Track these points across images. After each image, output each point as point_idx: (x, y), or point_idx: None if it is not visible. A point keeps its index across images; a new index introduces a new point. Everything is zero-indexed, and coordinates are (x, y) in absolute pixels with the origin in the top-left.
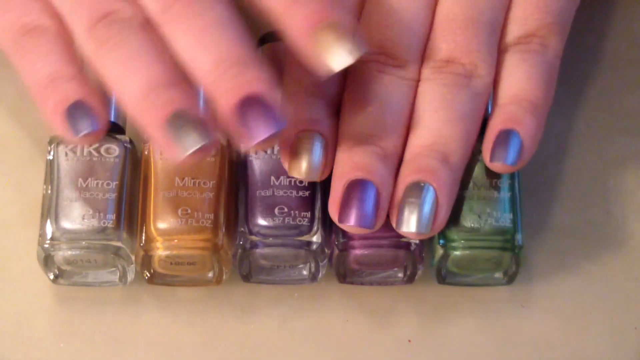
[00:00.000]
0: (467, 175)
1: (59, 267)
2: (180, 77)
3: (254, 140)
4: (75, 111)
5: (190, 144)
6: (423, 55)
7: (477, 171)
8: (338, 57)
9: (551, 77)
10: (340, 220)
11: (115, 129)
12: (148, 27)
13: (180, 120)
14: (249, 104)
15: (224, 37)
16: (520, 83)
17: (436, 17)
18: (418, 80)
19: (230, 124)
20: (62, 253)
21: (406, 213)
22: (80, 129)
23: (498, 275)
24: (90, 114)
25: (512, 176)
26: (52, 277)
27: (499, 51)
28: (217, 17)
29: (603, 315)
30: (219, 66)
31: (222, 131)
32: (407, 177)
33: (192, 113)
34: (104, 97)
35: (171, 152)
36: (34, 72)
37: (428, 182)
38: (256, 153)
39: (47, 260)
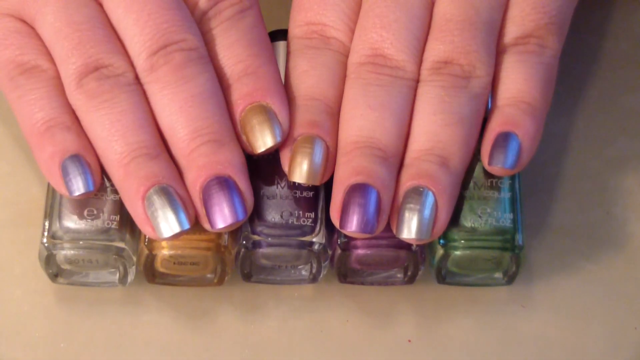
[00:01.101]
0: (468, 175)
1: (60, 266)
2: (161, 147)
3: (214, 226)
4: (71, 166)
5: (166, 230)
6: (421, 56)
7: (478, 171)
8: (259, 141)
9: (549, 77)
10: (341, 226)
11: None
12: (138, 86)
13: (159, 200)
14: (216, 187)
15: (204, 110)
16: (518, 84)
17: (433, 18)
18: (417, 81)
19: (195, 203)
20: (64, 252)
21: (406, 219)
22: (74, 190)
23: (498, 275)
24: (86, 171)
25: (512, 176)
26: (52, 275)
27: (497, 52)
28: (201, 89)
29: (603, 315)
30: (194, 140)
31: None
32: (406, 182)
33: (171, 191)
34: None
35: (147, 231)
36: (31, 116)
37: (427, 187)
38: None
39: (48, 259)
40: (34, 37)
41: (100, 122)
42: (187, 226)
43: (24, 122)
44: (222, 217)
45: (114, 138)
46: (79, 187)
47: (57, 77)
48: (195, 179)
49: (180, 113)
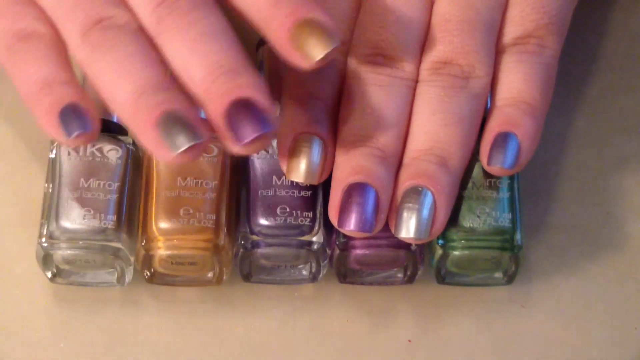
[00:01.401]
0: (467, 175)
1: (58, 266)
2: (172, 82)
3: (240, 141)
4: (68, 113)
5: (180, 143)
6: (421, 56)
7: (477, 171)
8: (316, 49)
9: (549, 77)
10: (340, 225)
11: (118, 130)
12: (141, 33)
13: (170, 121)
14: (238, 108)
15: (216, 46)
16: (517, 84)
17: (433, 18)
18: (416, 81)
19: (219, 128)
20: (62, 252)
21: (404, 218)
22: (72, 130)
23: (498, 275)
24: (83, 116)
25: (511, 176)
26: (50, 275)
27: (497, 52)
28: (211, 27)
29: (603, 315)
30: (211, 73)
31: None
32: (405, 182)
33: (182, 114)
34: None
35: (161, 152)
36: (28, 77)
37: (426, 186)
38: (258, 153)
39: (45, 259)
40: (31, 5)
41: (107, 67)
42: (201, 139)
43: (22, 82)
44: (249, 130)
45: (121, 78)
46: (76, 127)
47: (55, 40)
48: (216, 108)
49: (192, 52)
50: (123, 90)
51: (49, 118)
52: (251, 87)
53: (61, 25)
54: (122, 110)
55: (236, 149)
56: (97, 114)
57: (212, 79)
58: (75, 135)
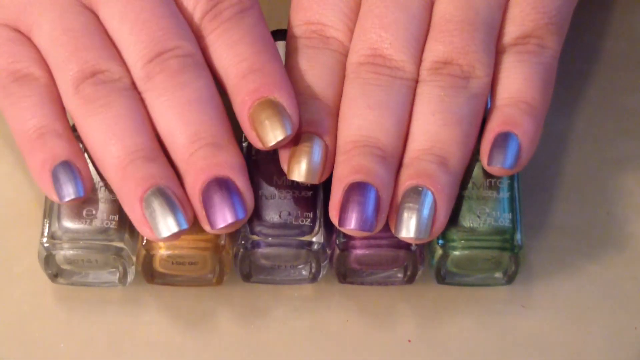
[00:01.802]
0: (467, 175)
1: (59, 266)
2: (162, 153)
3: (214, 226)
4: (61, 173)
5: (164, 229)
6: (421, 56)
7: (477, 171)
8: (269, 135)
9: (549, 77)
10: (340, 224)
11: None
12: (134, 91)
13: (157, 200)
14: (214, 188)
15: (202, 114)
16: (517, 84)
17: (433, 18)
18: (416, 81)
19: (194, 203)
20: (63, 252)
21: (405, 218)
22: (64, 195)
23: (498, 275)
24: (77, 177)
25: (511, 176)
26: (51, 276)
27: (497, 52)
28: (198, 93)
29: (603, 315)
30: (193, 144)
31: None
32: (405, 181)
33: (169, 192)
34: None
35: (144, 231)
36: (23, 123)
37: (426, 186)
38: (258, 153)
39: (47, 259)
40: (27, 45)
41: (97, 126)
42: (185, 226)
43: (16, 129)
44: (222, 217)
45: (111, 142)
46: (69, 192)
47: (50, 85)
48: (194, 182)
49: (177, 118)
50: (111, 155)
51: (41, 175)
52: (230, 167)
53: (56, 73)
54: (109, 175)
55: (207, 229)
56: (89, 172)
57: (193, 149)
58: (67, 201)
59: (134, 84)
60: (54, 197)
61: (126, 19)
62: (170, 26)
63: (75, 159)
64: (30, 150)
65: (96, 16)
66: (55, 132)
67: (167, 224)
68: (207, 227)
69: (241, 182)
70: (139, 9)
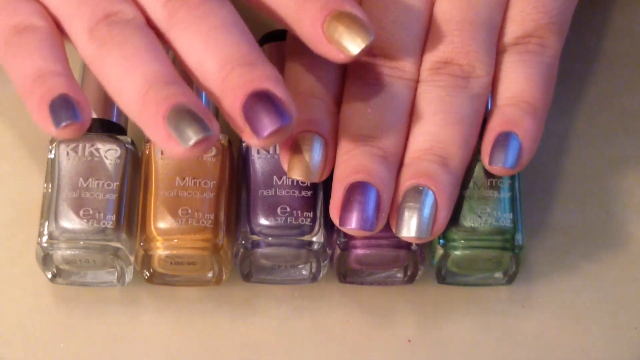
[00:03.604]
0: (468, 175)
1: (58, 266)
2: (179, 77)
3: (259, 134)
4: (59, 104)
5: (190, 136)
6: (421, 56)
7: (478, 171)
8: (354, 43)
9: (550, 77)
10: (341, 224)
11: (116, 130)
12: (148, 28)
13: (179, 114)
14: (255, 100)
15: (229, 38)
16: (518, 84)
17: (433, 18)
18: (417, 81)
19: (236, 122)
20: (61, 252)
21: (406, 218)
22: (61, 120)
23: (498, 275)
24: (73, 106)
25: (512, 176)
26: (50, 276)
27: (497, 52)
28: (222, 20)
29: (603, 315)
30: (225, 66)
31: (222, 128)
32: (406, 181)
33: (191, 106)
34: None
35: (171, 146)
36: (22, 69)
37: (427, 186)
38: (258, 153)
39: (45, 259)
40: (30, 1)
41: (115, 63)
42: (210, 132)
43: (16, 76)
44: (268, 123)
45: (129, 73)
46: (65, 116)
47: (51, 34)
48: (233, 100)
49: (205, 46)
50: (130, 85)
51: (39, 110)
52: (267, 79)
53: (67, 23)
54: (130, 106)
55: (254, 142)
56: (89, 105)
57: (226, 72)
58: (64, 125)
59: (149, 24)
60: (50, 127)
61: None
62: None
63: (73, 92)
64: (29, 92)
65: None
66: (54, 72)
67: (192, 132)
68: (253, 140)
69: (280, 91)
70: None
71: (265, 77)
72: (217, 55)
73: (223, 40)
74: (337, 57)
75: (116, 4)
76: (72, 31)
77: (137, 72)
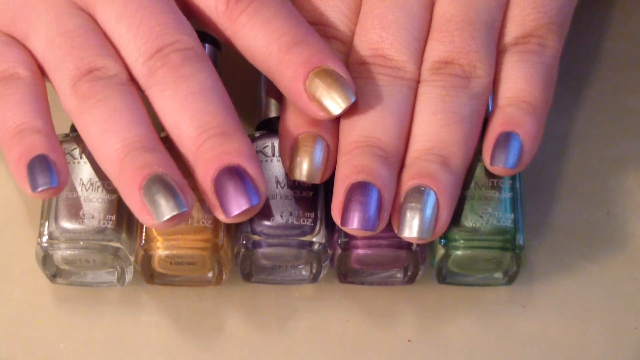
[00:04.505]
0: (469, 175)
1: (58, 266)
2: (158, 142)
3: (229, 214)
4: (36, 166)
5: (164, 212)
6: (422, 56)
7: (479, 171)
8: (335, 104)
9: (550, 77)
10: (342, 224)
11: None
12: (131, 86)
13: (155, 186)
14: (226, 177)
15: (207, 105)
16: (519, 84)
17: (433, 18)
18: (417, 81)
19: (207, 196)
20: (61, 252)
21: (407, 218)
22: (37, 185)
23: (498, 275)
24: (51, 169)
25: (513, 176)
26: (50, 276)
27: (498, 52)
28: (201, 85)
29: (603, 315)
30: (201, 135)
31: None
32: (407, 181)
33: (167, 178)
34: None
35: (144, 218)
36: (4, 120)
37: (428, 186)
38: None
39: (45, 259)
40: (17, 47)
41: (95, 121)
42: (184, 208)
43: None
44: (236, 204)
45: (107, 135)
46: (42, 182)
47: (35, 85)
48: (205, 173)
49: (182, 111)
50: (109, 148)
51: (17, 168)
52: (240, 154)
53: (52, 72)
54: (108, 168)
55: (222, 218)
56: (66, 166)
57: (201, 141)
58: (39, 190)
59: (131, 80)
60: (27, 189)
61: (123, 18)
62: (168, 21)
63: (51, 152)
64: (9, 147)
65: (92, 18)
66: (34, 129)
67: (166, 208)
68: (221, 217)
69: (252, 168)
70: (135, 7)
71: (238, 152)
72: (192, 122)
73: (200, 106)
74: (318, 115)
75: (100, 59)
76: (55, 80)
77: (115, 135)
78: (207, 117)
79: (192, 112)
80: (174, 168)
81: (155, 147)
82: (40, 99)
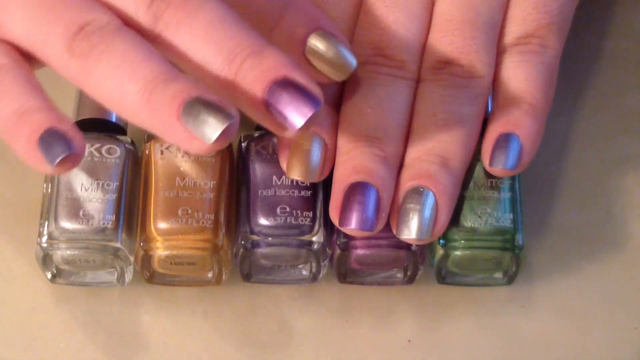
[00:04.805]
0: (468, 175)
1: (57, 266)
2: (179, 71)
3: (295, 125)
4: (48, 140)
5: (213, 129)
6: (422, 57)
7: (478, 171)
8: (209, 129)
9: (551, 77)
10: (341, 224)
11: (116, 130)
12: (129, 29)
13: (195, 108)
14: (279, 91)
15: (229, 30)
16: (519, 84)
17: (433, 18)
18: (417, 81)
19: (265, 117)
20: (61, 252)
21: (406, 219)
22: (55, 156)
23: (498, 275)
24: (64, 137)
25: (512, 176)
26: (50, 276)
27: (498, 52)
28: (215, 13)
29: (603, 315)
30: (234, 60)
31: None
32: (406, 182)
33: (204, 98)
34: None
35: (195, 144)
36: (0, 113)
37: (427, 187)
38: (258, 153)
39: (45, 259)
40: None
41: (106, 73)
42: (233, 118)
43: None
44: (301, 112)
45: (125, 81)
46: (59, 152)
47: (18, 68)
48: (254, 95)
49: (207, 43)
50: (130, 92)
51: (29, 151)
52: (283, 66)
53: (42, 49)
54: (137, 114)
55: (289, 134)
56: (79, 132)
57: (236, 66)
58: (60, 160)
59: (126, 24)
60: (45, 166)
61: None
62: None
63: (58, 123)
64: (14, 135)
65: None
66: (33, 108)
67: (215, 123)
68: (285, 133)
69: (300, 75)
70: None
71: (280, 64)
72: (221, 50)
73: (223, 32)
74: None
75: (87, 13)
76: (49, 55)
77: (133, 77)
78: (233, 41)
79: (217, 41)
80: (205, 87)
81: (178, 75)
82: (30, 79)
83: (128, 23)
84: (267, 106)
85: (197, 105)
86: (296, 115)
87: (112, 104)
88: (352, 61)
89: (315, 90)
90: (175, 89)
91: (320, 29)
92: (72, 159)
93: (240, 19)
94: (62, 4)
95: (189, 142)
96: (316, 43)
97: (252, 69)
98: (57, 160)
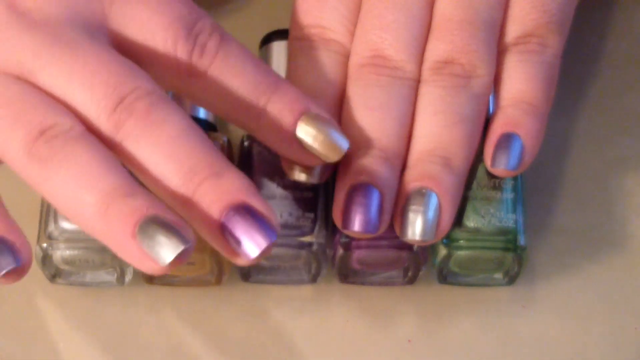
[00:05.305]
0: (471, 176)
1: (57, 266)
2: (139, 185)
3: (251, 254)
4: None
5: (169, 251)
6: (422, 56)
7: (480, 171)
8: (163, 250)
9: (551, 77)
10: (344, 226)
11: None
12: (91, 136)
13: (151, 228)
14: (235, 218)
15: (190, 147)
16: (519, 84)
17: (433, 18)
18: (418, 82)
19: (218, 240)
20: (61, 253)
21: (410, 220)
22: (1, 267)
23: (499, 275)
24: (12, 249)
25: (515, 177)
26: (49, 276)
27: (498, 51)
28: (176, 128)
29: (604, 315)
30: (193, 178)
31: (221, 128)
32: (409, 183)
33: (161, 218)
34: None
35: (148, 264)
36: None
37: (430, 188)
38: (258, 153)
39: (45, 260)
40: None
41: (63, 183)
42: (189, 243)
43: None
44: (255, 243)
45: (82, 192)
46: (5, 263)
47: None
48: (210, 217)
49: (166, 159)
50: (87, 205)
51: None
52: (242, 190)
53: (3, 152)
54: (92, 226)
55: (240, 262)
56: (28, 245)
57: (194, 186)
58: (5, 273)
59: (90, 131)
60: None
61: (72, 74)
62: (121, 69)
63: (8, 232)
64: None
65: (33, 84)
66: None
67: (170, 247)
68: (239, 261)
69: (258, 203)
70: (82, 62)
71: (239, 189)
72: (181, 167)
73: (184, 150)
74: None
75: (51, 117)
76: (8, 156)
77: (91, 190)
78: (194, 159)
79: (177, 158)
80: (164, 206)
81: (136, 191)
82: None
83: (90, 128)
84: (223, 230)
85: (153, 226)
86: (251, 245)
87: (68, 213)
88: (344, 144)
89: (273, 219)
90: (132, 205)
91: (308, 113)
92: (18, 272)
93: (204, 137)
94: (28, 103)
95: (142, 261)
96: (306, 127)
97: (210, 191)
98: (2, 272)
